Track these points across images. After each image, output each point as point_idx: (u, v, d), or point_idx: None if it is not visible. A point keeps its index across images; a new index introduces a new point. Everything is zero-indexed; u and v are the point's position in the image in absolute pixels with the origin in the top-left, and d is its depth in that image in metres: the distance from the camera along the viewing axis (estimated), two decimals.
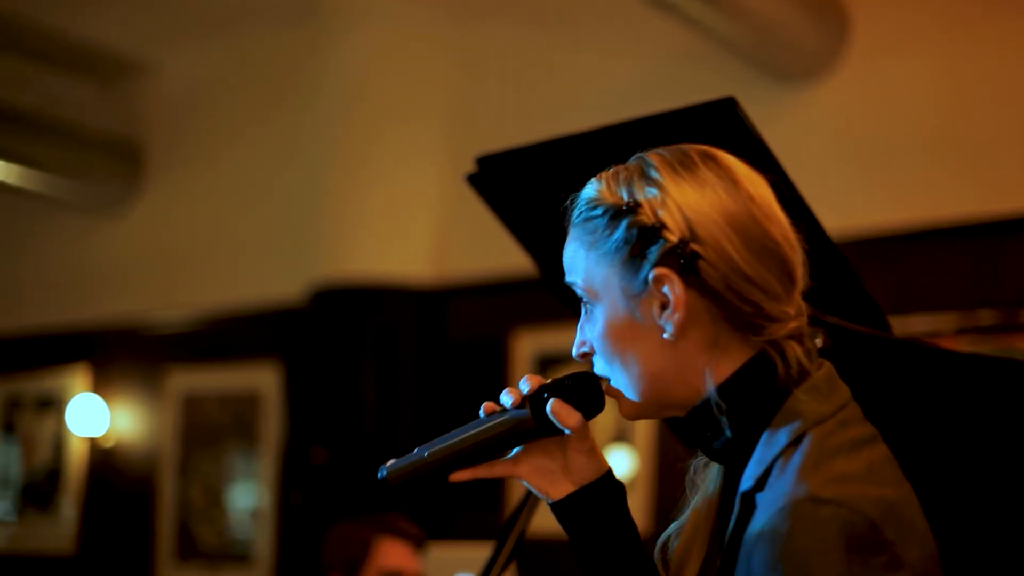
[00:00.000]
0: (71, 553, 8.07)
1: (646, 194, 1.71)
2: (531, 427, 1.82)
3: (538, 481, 1.86)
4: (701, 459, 1.87)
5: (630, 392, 1.77)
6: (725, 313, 1.69)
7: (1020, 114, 5.36)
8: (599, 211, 1.75)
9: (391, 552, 4.35)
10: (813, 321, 2.13)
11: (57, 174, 7.92)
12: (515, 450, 1.87)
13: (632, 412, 1.80)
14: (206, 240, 7.76)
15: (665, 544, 1.87)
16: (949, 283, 5.31)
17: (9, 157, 7.64)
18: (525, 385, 1.82)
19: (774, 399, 1.70)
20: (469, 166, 2.64)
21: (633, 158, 1.81)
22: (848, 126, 5.67)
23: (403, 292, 6.55)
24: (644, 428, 5.88)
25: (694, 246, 1.67)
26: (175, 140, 8.08)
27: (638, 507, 5.87)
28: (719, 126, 2.22)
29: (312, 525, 6.26)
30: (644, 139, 2.37)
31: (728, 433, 1.71)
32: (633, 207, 1.71)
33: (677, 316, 1.68)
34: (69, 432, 8.10)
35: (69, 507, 8.12)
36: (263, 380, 7.32)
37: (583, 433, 1.81)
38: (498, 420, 1.84)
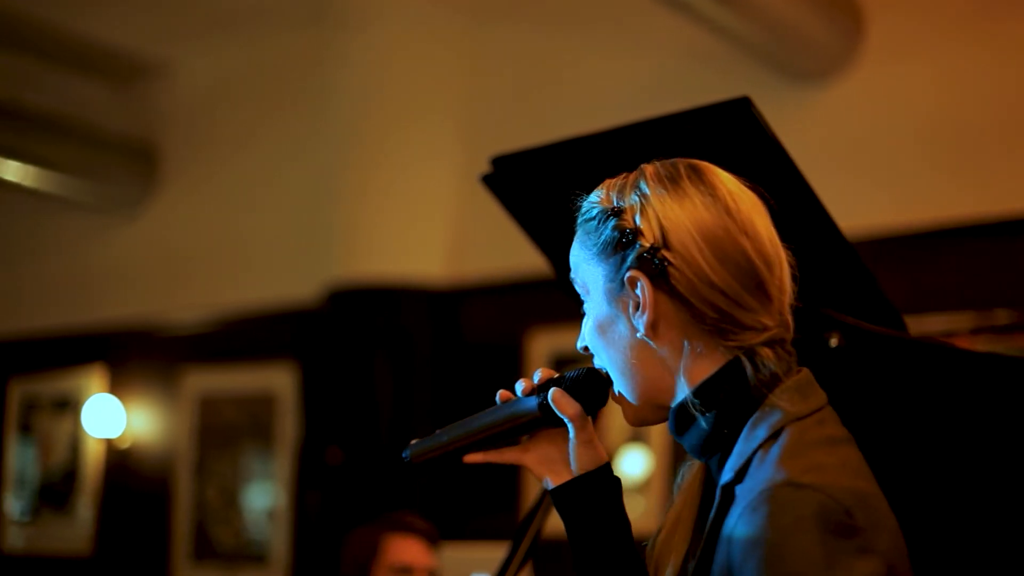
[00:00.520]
0: (88, 554, 8.08)
1: (630, 201, 1.83)
2: (537, 416, 1.94)
3: (542, 469, 1.97)
4: (688, 464, 1.94)
5: (625, 392, 1.87)
6: (693, 318, 1.78)
7: None
8: (593, 213, 1.87)
9: (400, 548, 4.35)
10: (829, 322, 2.14)
11: (72, 175, 7.94)
12: (526, 438, 1.99)
13: (630, 415, 1.90)
14: (222, 241, 7.77)
15: (654, 542, 1.94)
16: (964, 283, 5.30)
17: (25, 158, 7.66)
18: (537, 376, 1.96)
19: (750, 400, 1.77)
20: (484, 167, 2.64)
21: (637, 168, 1.90)
22: (863, 126, 5.66)
23: (418, 293, 6.55)
24: (659, 429, 5.87)
25: (665, 252, 1.77)
26: (190, 141, 8.10)
27: (652, 507, 5.87)
28: (734, 126, 2.22)
29: (328, 525, 6.28)
30: (659, 139, 2.38)
31: (704, 425, 1.79)
32: (618, 211, 1.83)
33: (645, 316, 1.78)
34: (85, 433, 8.11)
35: (86, 508, 8.14)
36: (279, 381, 7.33)
37: (582, 423, 1.91)
38: (509, 408, 1.98)
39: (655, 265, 1.77)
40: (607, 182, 1.89)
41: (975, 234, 5.31)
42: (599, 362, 1.90)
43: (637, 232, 1.79)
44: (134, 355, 8.11)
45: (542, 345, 6.34)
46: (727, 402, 1.78)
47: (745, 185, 1.86)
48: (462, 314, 6.67)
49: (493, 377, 6.44)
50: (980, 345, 5.02)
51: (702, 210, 1.78)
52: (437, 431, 2.04)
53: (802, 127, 5.62)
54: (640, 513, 5.88)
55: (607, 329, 1.86)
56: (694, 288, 1.76)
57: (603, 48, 6.42)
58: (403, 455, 2.06)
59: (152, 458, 7.91)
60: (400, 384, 6.50)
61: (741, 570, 1.66)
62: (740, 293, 1.77)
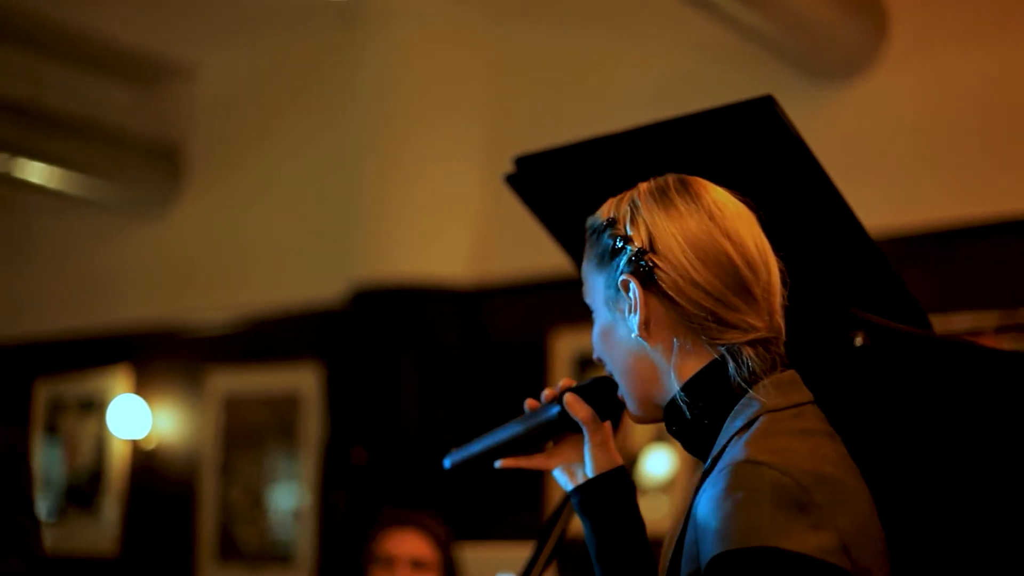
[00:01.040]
0: (114, 554, 8.10)
1: (623, 212, 1.99)
2: (557, 421, 2.14)
3: (566, 474, 2.16)
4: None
5: (626, 393, 2.04)
6: (681, 317, 1.92)
7: None
8: (595, 226, 2.04)
9: (386, 540, 4.39)
10: (854, 321, 2.15)
11: (96, 177, 7.96)
12: (551, 445, 2.21)
13: (633, 412, 2.06)
14: (246, 242, 7.79)
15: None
16: (990, 280, 5.29)
17: (49, 160, 7.68)
18: (559, 386, 2.15)
19: (731, 396, 1.91)
20: (507, 166, 2.64)
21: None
22: (887, 124, 5.65)
23: (443, 293, 6.56)
24: None
25: (652, 256, 1.93)
26: (214, 142, 8.11)
27: (677, 506, 5.86)
28: (757, 125, 2.22)
29: (353, 525, 6.28)
30: (682, 138, 2.38)
31: (689, 420, 1.94)
32: (612, 222, 2.00)
33: (637, 316, 1.94)
34: (111, 434, 8.14)
35: (112, 508, 8.16)
36: (304, 381, 7.34)
37: (595, 426, 2.10)
38: (534, 416, 2.19)
39: (643, 267, 1.93)
40: (609, 200, 2.05)
41: (1000, 232, 5.29)
42: (608, 369, 2.05)
43: (627, 239, 1.95)
44: (159, 356, 8.13)
45: (567, 344, 6.33)
46: (710, 397, 1.92)
47: (736, 197, 2.01)
48: (486, 314, 6.67)
49: (518, 377, 6.50)
50: (1005, 344, 5.01)
51: (686, 216, 1.94)
52: (472, 441, 2.26)
53: (826, 126, 5.61)
54: (665, 513, 5.87)
55: (609, 335, 2.02)
56: (679, 288, 1.91)
57: (626, 47, 6.42)
58: (444, 464, 2.26)
59: (177, 459, 7.93)
60: (425, 384, 6.51)
61: (701, 542, 1.78)
62: (724, 292, 1.90)
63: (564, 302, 6.22)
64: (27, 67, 8.00)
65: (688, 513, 1.88)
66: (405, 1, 6.79)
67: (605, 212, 2.03)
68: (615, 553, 2.05)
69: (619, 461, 2.12)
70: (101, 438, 8.28)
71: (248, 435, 7.60)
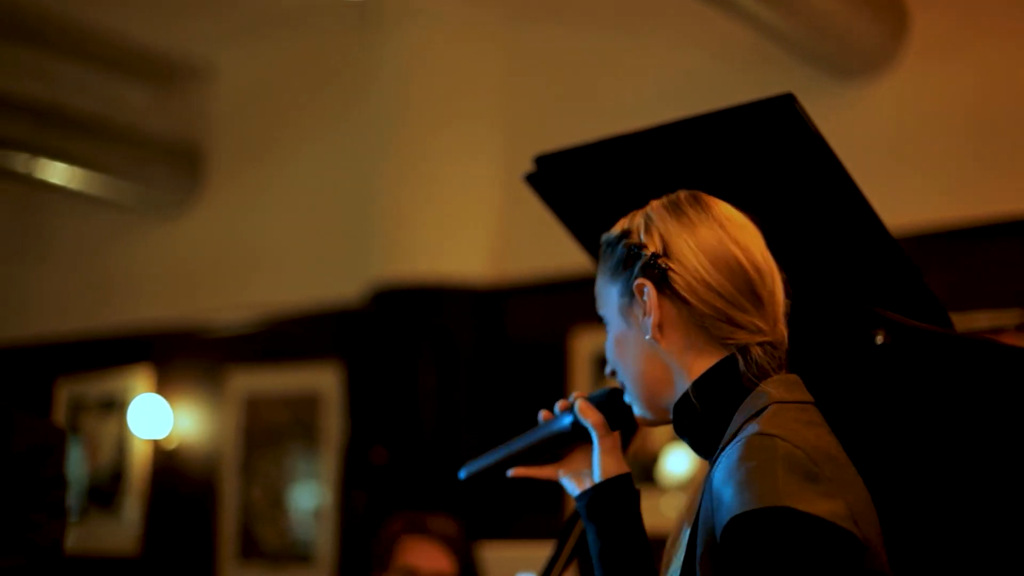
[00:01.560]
0: (135, 554, 8.12)
1: (637, 224, 2.11)
2: (569, 430, 2.25)
3: (573, 481, 2.26)
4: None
5: (635, 396, 2.13)
6: (695, 319, 2.03)
7: None
8: (609, 240, 2.16)
9: (410, 550, 4.35)
10: (874, 319, 2.15)
11: (117, 177, 7.98)
12: (563, 454, 2.32)
13: (641, 415, 2.16)
14: (266, 242, 7.80)
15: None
16: (1011, 278, 5.27)
17: (69, 160, 7.70)
18: (572, 397, 2.27)
19: (741, 391, 2.00)
20: (527, 165, 2.65)
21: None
22: (907, 122, 5.64)
23: (462, 292, 6.56)
24: None
25: (666, 260, 2.04)
26: (233, 142, 8.13)
27: (686, 504, 5.86)
28: (777, 123, 2.21)
29: (374, 525, 6.28)
30: (702, 137, 2.38)
31: (700, 415, 2.02)
32: (627, 233, 2.12)
33: (651, 318, 2.05)
34: (132, 433, 8.16)
35: (133, 508, 8.18)
36: (324, 381, 7.35)
37: (605, 432, 2.20)
38: (547, 425, 2.30)
39: (658, 271, 2.04)
40: (621, 219, 2.17)
41: (1021, 230, 5.28)
42: (620, 377, 2.15)
43: (642, 246, 2.07)
44: (179, 356, 8.15)
45: (586, 344, 6.33)
46: (720, 391, 2.00)
47: (743, 213, 2.12)
48: (506, 313, 6.66)
49: (537, 376, 6.50)
50: None
51: (698, 225, 2.05)
52: (488, 452, 2.37)
53: (846, 124, 5.60)
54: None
55: (622, 342, 2.12)
56: (693, 289, 2.01)
57: (644, 46, 6.41)
58: (459, 475, 2.37)
59: (198, 458, 7.94)
60: (444, 383, 6.51)
61: (716, 510, 1.84)
62: (734, 294, 2.01)
63: (583, 302, 6.16)
64: (46, 68, 8.02)
65: (702, 496, 1.93)
66: (422, 1, 6.79)
67: (618, 227, 2.15)
68: (618, 556, 2.12)
69: (626, 469, 2.20)
70: (122, 438, 8.30)
71: (268, 435, 7.61)
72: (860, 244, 2.28)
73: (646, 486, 5.83)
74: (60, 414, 8.67)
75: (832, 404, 2.07)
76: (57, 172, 7.72)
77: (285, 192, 7.74)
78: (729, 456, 1.87)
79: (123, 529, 8.21)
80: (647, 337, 2.06)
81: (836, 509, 1.80)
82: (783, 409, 1.94)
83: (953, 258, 5.34)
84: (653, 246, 2.06)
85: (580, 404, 2.23)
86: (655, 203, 2.13)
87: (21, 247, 9.20)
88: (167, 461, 8.07)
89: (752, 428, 1.90)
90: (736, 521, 1.79)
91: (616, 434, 2.23)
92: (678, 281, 2.02)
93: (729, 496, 1.81)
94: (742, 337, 2.02)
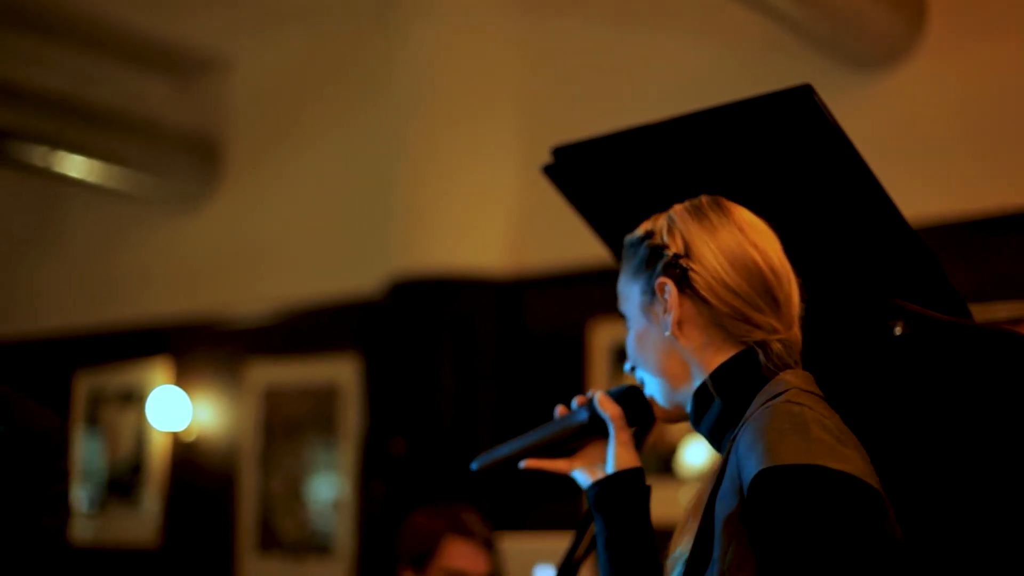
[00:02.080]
0: (155, 545, 8.14)
1: (660, 226, 2.19)
2: (586, 424, 2.30)
3: (586, 473, 2.32)
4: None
5: (655, 392, 2.20)
6: (714, 317, 2.10)
7: None
8: (632, 241, 2.23)
9: (458, 553, 4.32)
10: (893, 310, 2.16)
11: (136, 170, 8.00)
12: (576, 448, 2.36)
13: (660, 413, 2.24)
14: (284, 234, 7.81)
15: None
16: None
17: (88, 153, 7.72)
18: (590, 393, 2.33)
19: (760, 380, 2.06)
20: (545, 157, 2.64)
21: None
22: (925, 113, 5.62)
23: (481, 284, 6.56)
24: None
25: (687, 261, 2.11)
26: (251, 135, 8.14)
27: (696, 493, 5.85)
28: (795, 114, 2.21)
29: (392, 516, 6.29)
30: (720, 128, 2.38)
31: (717, 404, 2.09)
32: (650, 234, 2.19)
33: (671, 315, 2.12)
34: (151, 426, 8.17)
35: (152, 500, 8.20)
36: (343, 373, 7.36)
37: (621, 425, 2.28)
38: (563, 419, 2.35)
39: (679, 271, 2.11)
40: (644, 222, 2.24)
41: None
42: (640, 373, 2.22)
43: (664, 246, 2.14)
44: (198, 348, 8.16)
45: (605, 336, 6.32)
46: (739, 380, 2.07)
47: (760, 219, 2.18)
48: (525, 305, 6.66)
49: (556, 368, 6.50)
50: None
51: (719, 228, 2.13)
52: (501, 444, 2.41)
53: (864, 114, 5.59)
54: None
55: (643, 338, 2.19)
56: (712, 289, 2.09)
57: (663, 37, 6.40)
58: (471, 467, 2.41)
59: (217, 450, 7.96)
60: (463, 375, 6.51)
61: (743, 469, 1.89)
62: (751, 295, 2.09)
63: (602, 293, 6.16)
64: (67, 61, 8.04)
65: (717, 477, 1.99)
66: None
67: (642, 229, 2.22)
68: (626, 547, 2.19)
69: (639, 463, 2.27)
70: (141, 430, 8.32)
71: (287, 426, 7.63)
72: (879, 235, 2.28)
73: (664, 477, 5.84)
74: (79, 407, 8.70)
75: (851, 395, 2.07)
76: (75, 165, 7.73)
77: (303, 184, 7.75)
78: (756, 421, 1.94)
79: (142, 521, 8.23)
80: (667, 333, 2.12)
81: (862, 469, 1.87)
82: (801, 393, 2.00)
83: (972, 249, 5.33)
84: (675, 247, 2.13)
85: (600, 397, 2.29)
86: (678, 207, 2.20)
87: (40, 241, 9.23)
88: (186, 453, 8.09)
89: (777, 399, 1.97)
90: (766, 473, 1.84)
91: (631, 430, 2.29)
92: (698, 281, 2.10)
93: (760, 452, 1.86)
94: (759, 336, 2.09)
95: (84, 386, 8.73)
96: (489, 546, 4.38)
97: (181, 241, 8.37)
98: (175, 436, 8.13)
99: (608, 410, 2.28)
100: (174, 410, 8.02)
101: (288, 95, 7.96)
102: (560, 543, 2.84)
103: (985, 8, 5.52)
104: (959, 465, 2.16)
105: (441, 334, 6.55)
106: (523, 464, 2.38)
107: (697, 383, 2.12)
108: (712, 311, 2.09)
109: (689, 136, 2.42)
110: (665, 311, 2.13)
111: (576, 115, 6.54)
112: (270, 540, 7.62)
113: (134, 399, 8.38)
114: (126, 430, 8.44)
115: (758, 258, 2.10)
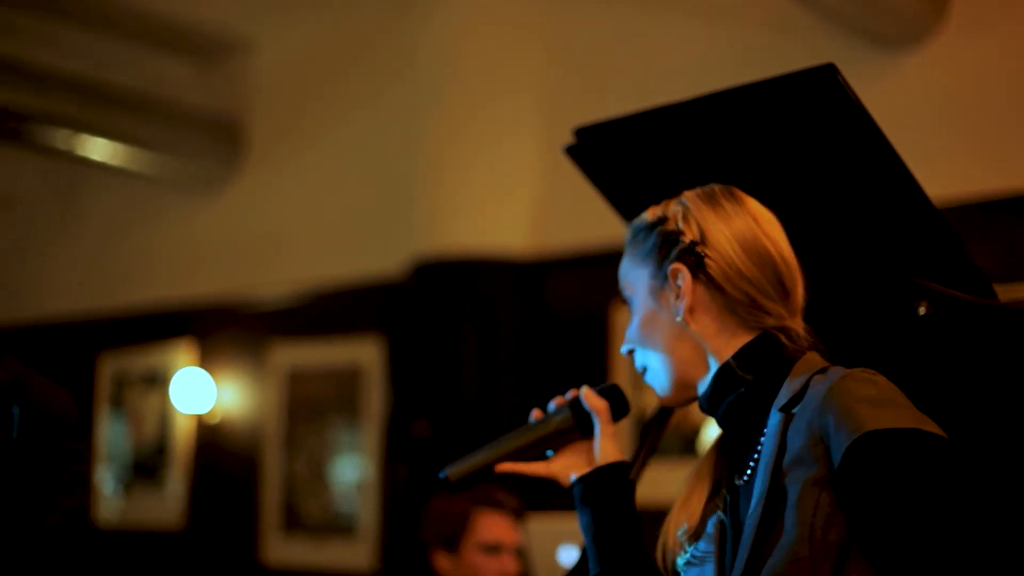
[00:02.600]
0: (180, 527, 8.17)
1: (673, 212, 2.20)
2: (570, 424, 2.31)
3: (566, 474, 2.32)
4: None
5: (661, 376, 2.21)
6: (727, 304, 2.13)
7: None
8: (641, 226, 2.25)
9: (490, 525, 4.33)
10: (917, 290, 2.16)
11: (159, 153, 8.01)
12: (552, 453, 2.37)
13: (664, 395, 2.24)
14: (307, 216, 7.82)
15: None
16: None
17: (112, 136, 7.74)
18: (568, 395, 2.34)
19: (785, 362, 2.09)
20: (567, 138, 2.64)
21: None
22: (950, 92, 5.60)
23: (503, 265, 6.56)
24: None
25: (702, 248, 2.13)
26: (274, 117, 8.14)
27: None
28: (819, 94, 2.21)
29: (416, 498, 6.30)
30: (743, 108, 2.37)
31: (743, 386, 2.10)
32: (663, 220, 2.21)
33: (685, 301, 2.14)
34: (175, 408, 8.20)
35: (177, 482, 8.23)
36: (366, 354, 7.37)
37: (607, 418, 2.30)
38: (543, 420, 2.34)
39: (694, 258, 2.13)
40: (651, 208, 2.25)
41: None
42: (641, 358, 2.24)
43: (680, 232, 2.16)
44: (222, 330, 8.18)
45: (626, 316, 6.30)
46: (765, 361, 2.10)
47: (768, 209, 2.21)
48: (547, 286, 6.66)
49: (578, 348, 6.49)
50: None
51: (733, 217, 2.16)
52: (473, 452, 2.37)
53: (888, 93, 5.57)
54: None
55: (650, 322, 2.21)
56: (727, 276, 2.12)
57: (685, 17, 6.38)
58: (440, 475, 2.37)
59: (241, 432, 7.98)
60: (485, 356, 6.51)
61: (833, 437, 1.90)
62: (763, 283, 2.12)
63: None
64: (88, 44, 8.05)
65: (766, 444, 2.02)
66: None
67: (651, 214, 2.24)
68: (616, 539, 2.21)
69: (624, 457, 2.29)
70: (165, 412, 8.34)
71: (311, 408, 7.64)
72: (902, 215, 2.28)
73: (687, 457, 5.83)
74: (103, 389, 8.73)
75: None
76: (98, 148, 7.75)
77: (326, 166, 7.75)
78: (825, 389, 1.94)
79: (167, 503, 8.26)
80: (678, 319, 2.15)
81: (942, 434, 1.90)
82: (846, 369, 2.01)
83: (994, 229, 5.31)
84: (691, 234, 2.15)
85: (587, 392, 2.32)
86: (688, 193, 2.22)
87: (63, 224, 9.25)
88: (210, 435, 8.11)
89: (837, 373, 1.98)
90: (869, 438, 1.86)
91: (616, 424, 2.31)
92: (713, 268, 2.13)
93: (856, 419, 1.88)
94: (770, 322, 2.12)
95: (108, 369, 8.76)
96: (520, 515, 4.39)
97: (204, 223, 8.39)
98: (199, 418, 8.15)
99: (595, 405, 2.30)
100: (198, 392, 8.04)
101: (310, 77, 7.96)
102: None
103: None
104: (984, 445, 2.15)
105: (464, 315, 6.55)
106: (498, 467, 2.37)
107: (714, 367, 2.14)
108: (725, 298, 2.13)
109: (713, 116, 2.41)
110: (678, 297, 2.15)
111: (597, 97, 6.53)
112: (294, 522, 7.64)
113: (158, 382, 8.40)
114: (150, 413, 8.46)
115: (770, 247, 2.14)
